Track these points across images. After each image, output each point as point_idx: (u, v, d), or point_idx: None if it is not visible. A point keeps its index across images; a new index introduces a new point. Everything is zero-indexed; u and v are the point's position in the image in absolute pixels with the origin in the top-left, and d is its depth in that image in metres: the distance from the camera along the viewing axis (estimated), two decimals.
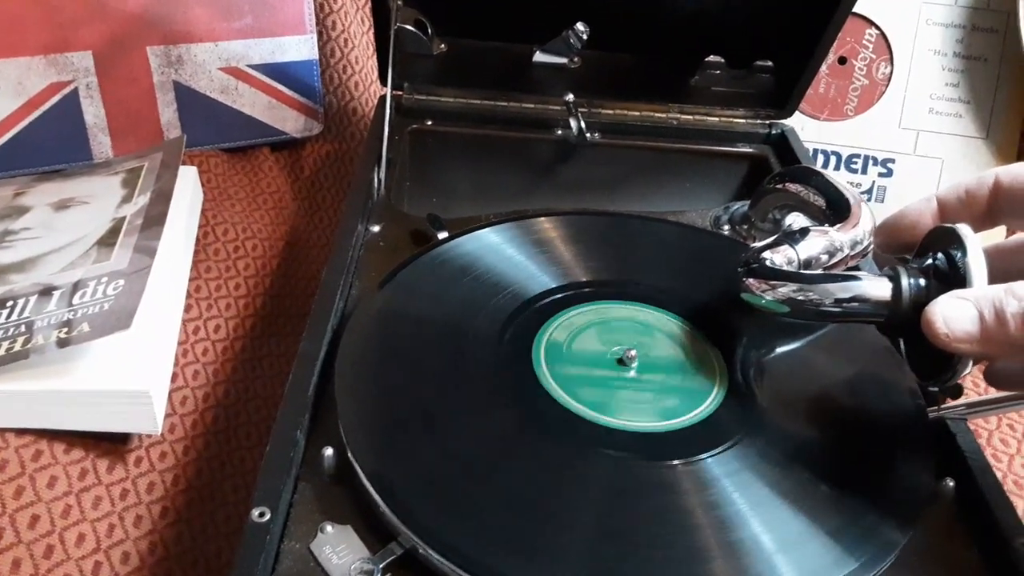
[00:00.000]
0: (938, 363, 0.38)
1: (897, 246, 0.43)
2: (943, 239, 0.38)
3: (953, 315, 0.35)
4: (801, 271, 0.41)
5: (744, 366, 0.43)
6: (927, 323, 0.35)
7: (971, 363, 0.37)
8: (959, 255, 0.37)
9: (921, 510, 0.37)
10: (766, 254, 0.42)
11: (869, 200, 0.74)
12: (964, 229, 0.37)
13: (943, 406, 0.41)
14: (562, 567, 0.33)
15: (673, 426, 0.40)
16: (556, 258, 0.49)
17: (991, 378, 0.40)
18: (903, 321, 0.38)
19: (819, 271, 0.42)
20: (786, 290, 0.39)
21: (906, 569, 0.35)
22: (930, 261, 0.39)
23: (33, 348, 0.41)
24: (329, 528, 0.34)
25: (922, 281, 0.38)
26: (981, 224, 0.41)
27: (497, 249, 0.49)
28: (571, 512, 0.35)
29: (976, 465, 0.39)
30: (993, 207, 0.40)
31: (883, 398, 0.43)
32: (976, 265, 0.36)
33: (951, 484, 0.38)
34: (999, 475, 0.39)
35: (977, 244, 0.37)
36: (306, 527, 0.34)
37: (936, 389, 0.41)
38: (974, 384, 0.53)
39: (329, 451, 0.36)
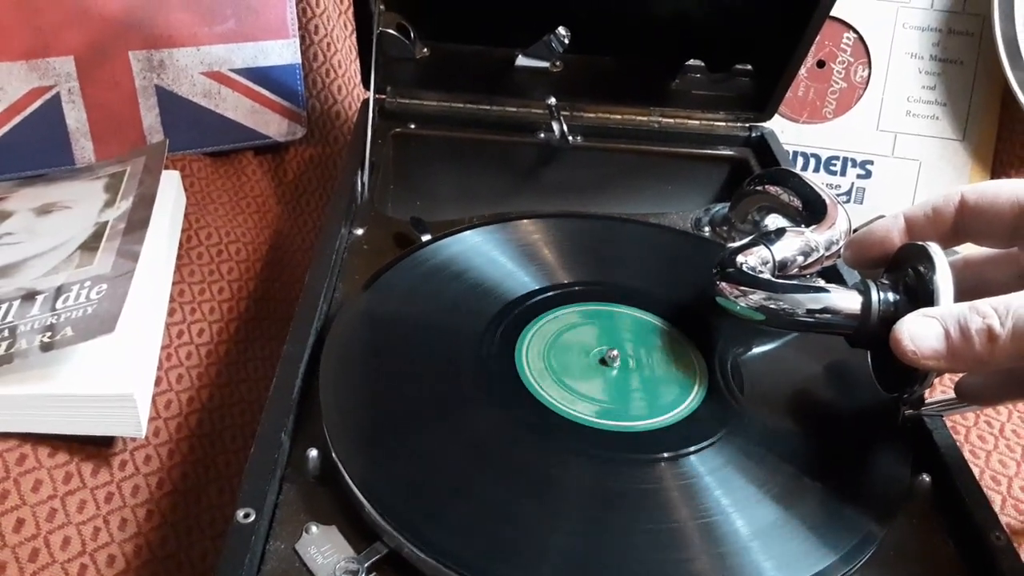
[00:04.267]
0: (904, 376, 0.39)
1: (865, 261, 0.44)
2: (914, 256, 0.39)
3: (920, 333, 0.36)
4: (773, 279, 0.41)
5: (724, 365, 0.44)
6: (895, 341, 0.36)
7: (934, 377, 0.38)
8: (928, 273, 0.38)
9: (899, 505, 0.38)
10: (740, 256, 0.42)
11: (848, 202, 0.75)
12: (934, 247, 0.38)
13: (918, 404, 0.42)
14: (546, 565, 0.33)
15: (656, 424, 0.40)
16: (539, 260, 0.50)
17: (961, 392, 0.41)
18: (871, 334, 0.39)
19: (791, 280, 0.43)
20: (757, 297, 0.40)
21: (884, 562, 0.36)
22: (900, 277, 0.40)
23: (16, 352, 0.41)
24: (314, 528, 0.34)
25: (891, 296, 0.39)
26: (947, 241, 0.42)
27: (480, 251, 0.50)
28: (555, 510, 0.36)
29: (951, 461, 0.39)
30: (958, 225, 0.41)
31: (861, 395, 0.43)
32: (944, 283, 0.37)
33: (927, 480, 0.39)
34: (976, 471, 0.39)
35: (945, 262, 0.38)
36: (291, 528, 0.35)
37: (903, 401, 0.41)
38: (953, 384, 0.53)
39: (314, 452, 0.36)
